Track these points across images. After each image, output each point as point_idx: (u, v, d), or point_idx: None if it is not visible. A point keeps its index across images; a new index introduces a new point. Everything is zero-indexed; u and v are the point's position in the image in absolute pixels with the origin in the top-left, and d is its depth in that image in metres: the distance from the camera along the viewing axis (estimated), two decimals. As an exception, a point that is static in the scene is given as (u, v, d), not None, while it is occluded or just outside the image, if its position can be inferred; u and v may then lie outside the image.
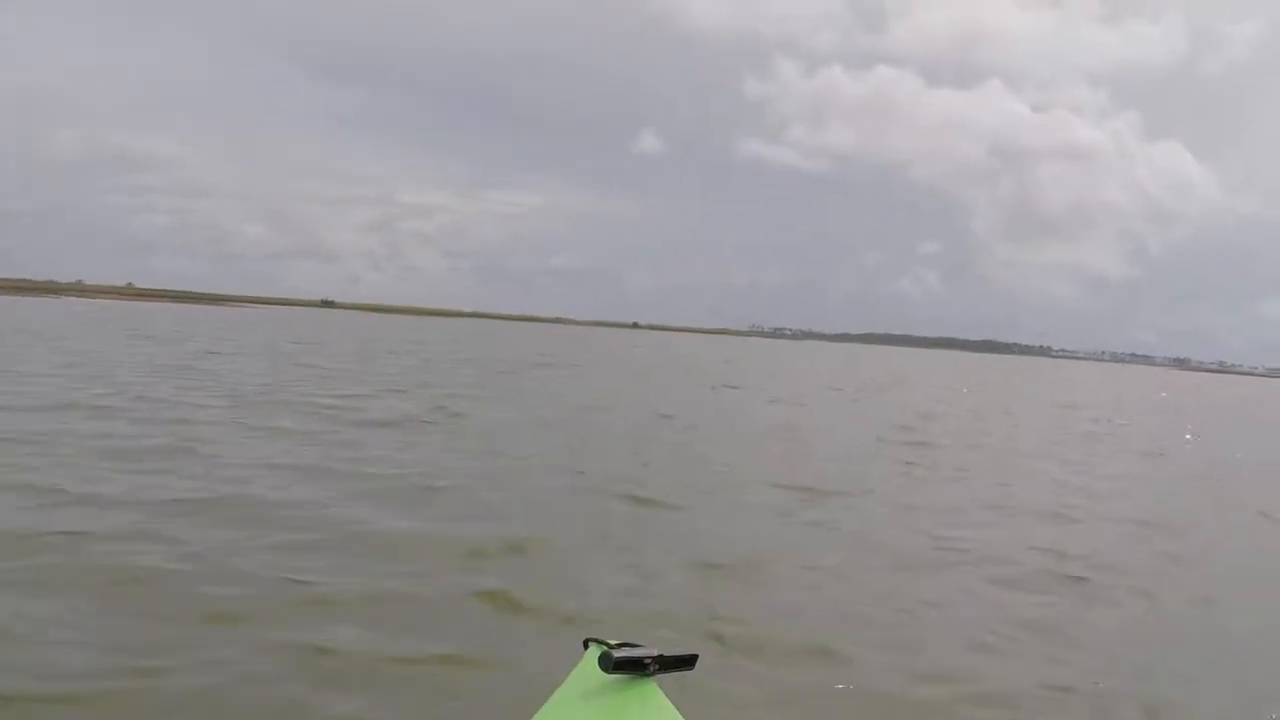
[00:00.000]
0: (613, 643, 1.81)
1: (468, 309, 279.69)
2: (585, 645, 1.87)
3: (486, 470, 9.86)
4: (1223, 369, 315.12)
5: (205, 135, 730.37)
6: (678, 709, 1.76)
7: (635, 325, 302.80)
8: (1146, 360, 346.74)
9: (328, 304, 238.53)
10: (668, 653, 1.82)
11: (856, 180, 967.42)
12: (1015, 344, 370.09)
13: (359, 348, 37.22)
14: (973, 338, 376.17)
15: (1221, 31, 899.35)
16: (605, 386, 25.19)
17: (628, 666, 1.77)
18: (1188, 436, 21.70)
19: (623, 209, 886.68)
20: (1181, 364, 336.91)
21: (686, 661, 1.84)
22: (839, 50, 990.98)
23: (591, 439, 13.31)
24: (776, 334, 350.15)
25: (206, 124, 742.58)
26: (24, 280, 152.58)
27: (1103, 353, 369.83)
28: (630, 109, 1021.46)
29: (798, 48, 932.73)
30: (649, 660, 1.79)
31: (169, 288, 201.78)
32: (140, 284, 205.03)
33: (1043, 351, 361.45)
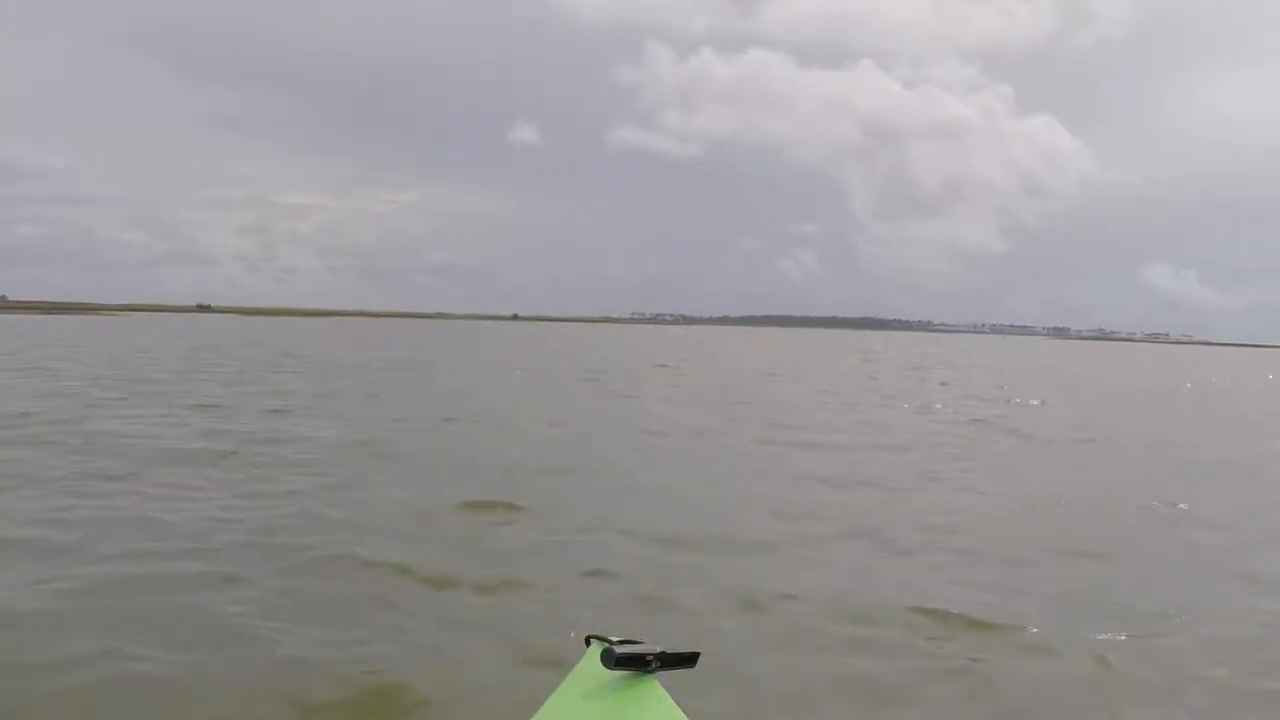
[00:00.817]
0: (615, 640, 1.81)
1: (346, 308, 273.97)
2: (587, 642, 1.87)
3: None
4: (1102, 336, 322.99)
5: (77, 142, 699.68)
6: (680, 706, 1.71)
7: (515, 317, 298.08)
8: (1026, 331, 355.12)
9: (203, 308, 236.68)
10: (670, 650, 1.79)
11: (732, 164, 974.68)
12: (896, 320, 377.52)
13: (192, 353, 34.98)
14: (853, 315, 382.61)
15: (1091, 7, 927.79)
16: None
17: (630, 664, 1.75)
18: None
19: (500, 202, 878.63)
20: (1061, 333, 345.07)
21: (688, 659, 1.82)
22: (711, 34, 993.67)
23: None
24: (657, 320, 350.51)
25: (77, 130, 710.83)
26: None
27: (983, 325, 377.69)
28: (504, 102, 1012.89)
29: (670, 33, 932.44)
30: (651, 658, 1.77)
31: (42, 299, 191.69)
32: (13, 296, 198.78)
33: (924, 326, 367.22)
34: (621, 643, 1.78)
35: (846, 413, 18.52)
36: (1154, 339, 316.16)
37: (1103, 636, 5.19)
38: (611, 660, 1.73)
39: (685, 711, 1.69)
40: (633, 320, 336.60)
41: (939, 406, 20.79)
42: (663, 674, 1.78)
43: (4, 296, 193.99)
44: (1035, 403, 22.47)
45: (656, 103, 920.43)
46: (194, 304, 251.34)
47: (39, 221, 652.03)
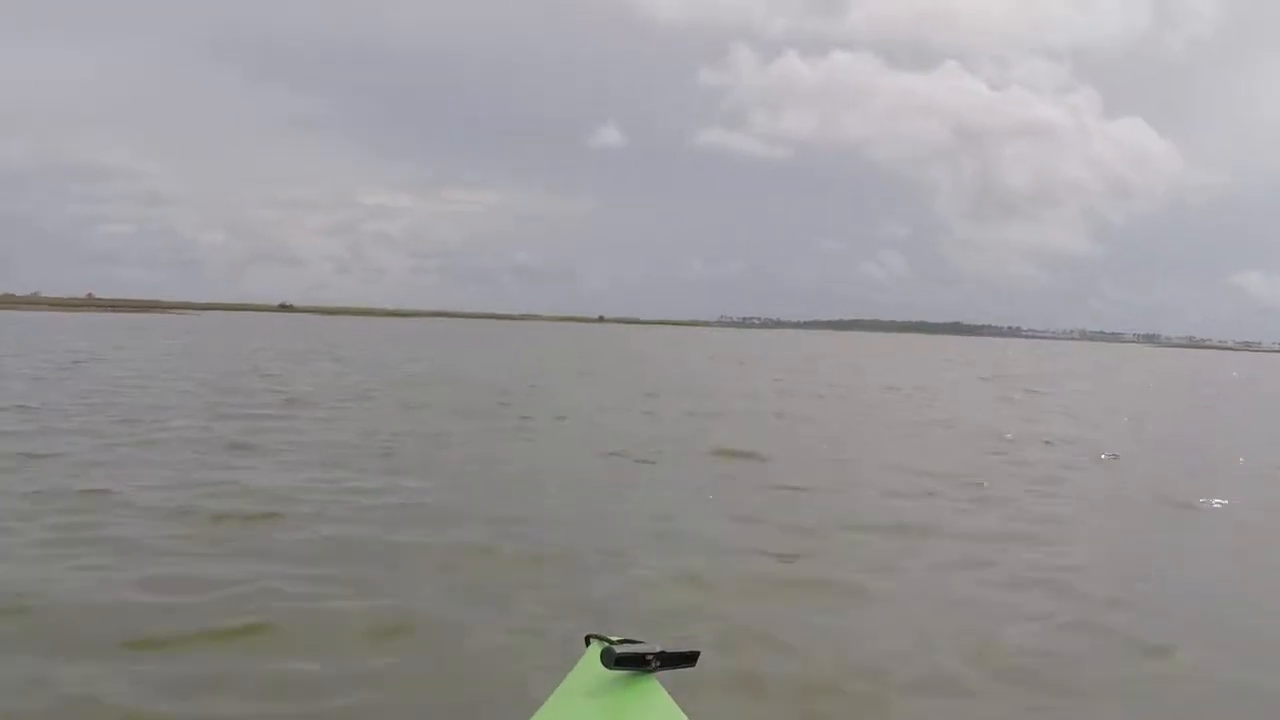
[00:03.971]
0: (614, 639, 1.83)
1: (433, 309, 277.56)
2: (587, 642, 1.89)
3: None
4: (1193, 344, 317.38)
5: (157, 144, 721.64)
6: (679, 706, 1.74)
7: (601, 319, 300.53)
8: (1116, 338, 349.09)
9: (285, 308, 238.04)
10: (669, 649, 1.82)
11: (817, 166, 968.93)
12: (986, 326, 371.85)
13: (252, 353, 34.08)
14: (940, 320, 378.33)
15: (1181, 5, 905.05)
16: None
17: (629, 663, 1.77)
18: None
19: (583, 204, 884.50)
20: (1151, 340, 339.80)
21: (688, 658, 1.85)
22: (794, 35, 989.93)
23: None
24: (745, 323, 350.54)
25: (157, 133, 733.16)
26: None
27: (1072, 331, 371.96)
28: (587, 102, 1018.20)
29: (753, 34, 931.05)
30: (651, 657, 1.79)
31: (129, 297, 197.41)
32: (101, 294, 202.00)
33: (1013, 333, 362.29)
34: (621, 642, 1.81)
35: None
36: (1246, 346, 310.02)
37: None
38: (611, 660, 1.75)
39: (685, 711, 1.71)
40: (721, 324, 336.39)
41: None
42: (663, 673, 1.80)
43: (90, 294, 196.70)
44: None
45: (741, 104, 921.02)
46: (276, 304, 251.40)
47: (123, 221, 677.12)
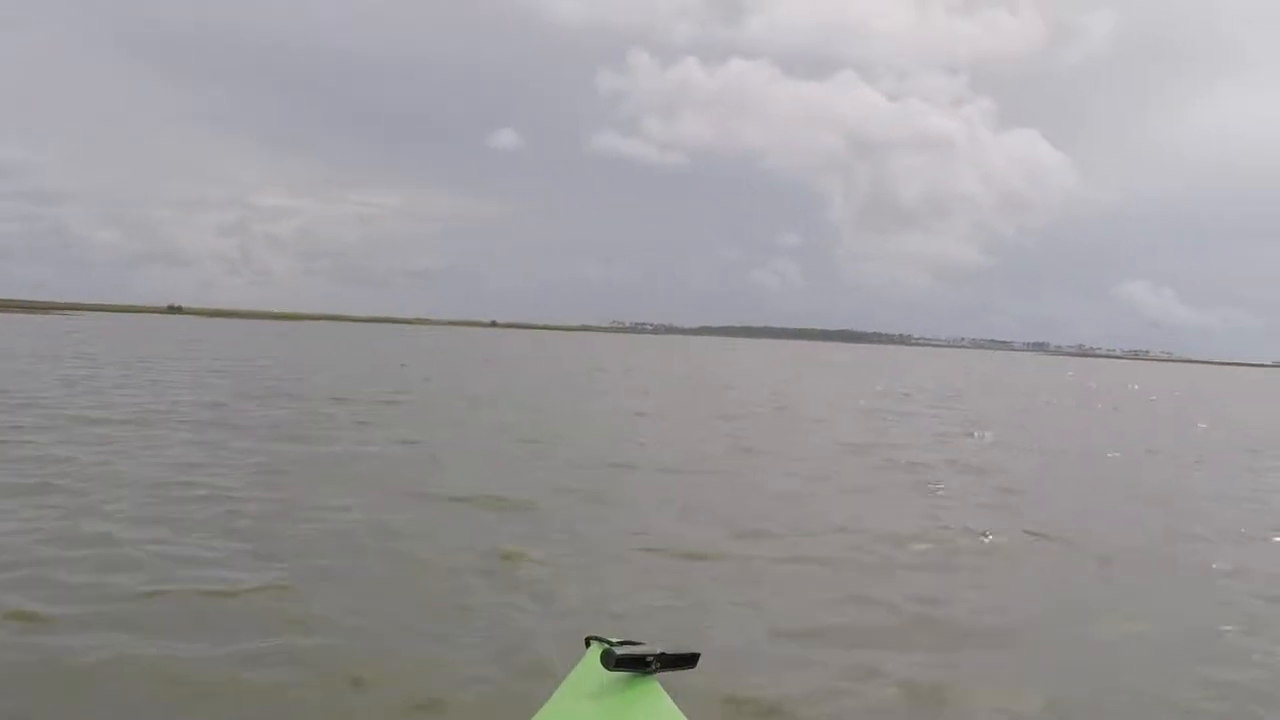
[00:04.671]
0: (614, 640, 1.80)
1: (322, 312, 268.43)
2: (587, 643, 1.85)
3: None
4: (1083, 353, 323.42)
5: (50, 138, 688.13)
6: (679, 707, 1.71)
7: (494, 324, 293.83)
8: (1006, 346, 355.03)
9: (174, 310, 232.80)
10: (670, 651, 1.77)
11: (713, 173, 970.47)
12: (876, 333, 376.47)
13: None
14: (833, 328, 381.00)
15: (1078, 22, 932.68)
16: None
17: (630, 664, 1.74)
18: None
19: (480, 207, 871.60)
20: (1041, 348, 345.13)
21: (688, 660, 1.81)
22: (695, 43, 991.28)
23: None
24: (637, 329, 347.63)
25: (51, 126, 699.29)
26: None
27: (963, 339, 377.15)
28: (487, 104, 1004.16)
29: (653, 40, 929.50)
30: (651, 658, 1.75)
31: (13, 297, 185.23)
32: None
33: (903, 340, 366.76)
34: (621, 643, 1.77)
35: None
36: (1134, 355, 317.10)
37: None
38: (611, 661, 1.71)
39: (685, 712, 1.68)
40: (612, 329, 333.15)
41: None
42: (663, 674, 1.76)
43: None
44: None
45: (638, 110, 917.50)
46: (165, 305, 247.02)
47: (11, 219, 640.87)
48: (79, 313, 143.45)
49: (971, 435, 17.67)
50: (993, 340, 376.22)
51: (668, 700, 1.72)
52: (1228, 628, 5.98)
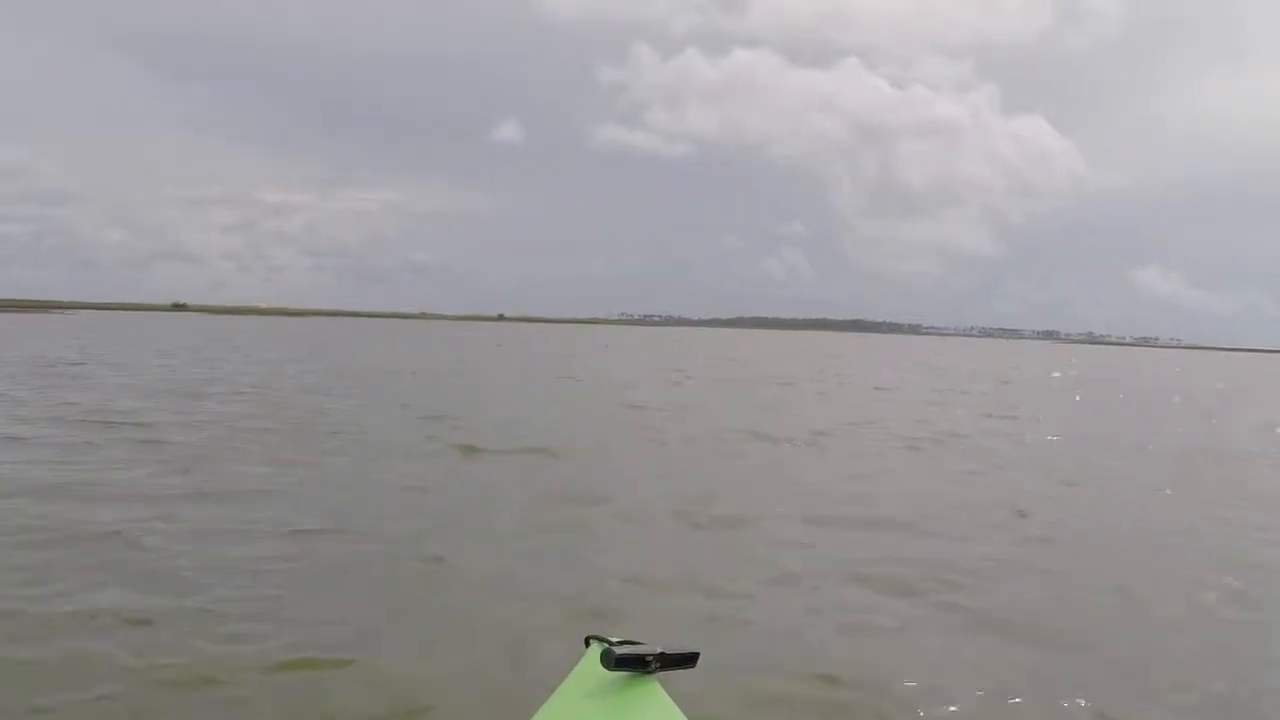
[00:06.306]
0: (614, 640, 1.79)
1: (330, 308, 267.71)
2: (587, 643, 1.84)
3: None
4: (1092, 340, 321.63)
5: (54, 141, 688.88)
6: (679, 707, 1.69)
7: (501, 318, 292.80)
8: (1015, 334, 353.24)
9: (179, 307, 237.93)
10: (669, 650, 1.76)
11: (719, 163, 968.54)
12: (886, 322, 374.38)
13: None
14: (842, 317, 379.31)
15: (1083, 6, 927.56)
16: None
17: (629, 664, 1.73)
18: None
19: (483, 201, 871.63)
20: (1050, 336, 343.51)
21: (688, 659, 1.79)
22: (695, 33, 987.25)
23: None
24: (646, 321, 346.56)
25: (54, 129, 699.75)
26: None
27: (972, 328, 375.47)
28: (488, 100, 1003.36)
29: (654, 32, 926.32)
30: (651, 658, 1.74)
31: (22, 298, 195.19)
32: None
33: (913, 329, 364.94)
34: (621, 643, 1.76)
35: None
36: (1143, 343, 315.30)
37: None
38: (611, 661, 1.70)
39: (685, 712, 1.67)
40: (621, 321, 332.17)
41: None
42: (662, 674, 1.75)
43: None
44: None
45: (640, 102, 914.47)
46: (169, 303, 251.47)
47: (17, 221, 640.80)
48: (77, 311, 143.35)
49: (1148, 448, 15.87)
50: (1002, 329, 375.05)
51: (668, 700, 1.71)
52: None
